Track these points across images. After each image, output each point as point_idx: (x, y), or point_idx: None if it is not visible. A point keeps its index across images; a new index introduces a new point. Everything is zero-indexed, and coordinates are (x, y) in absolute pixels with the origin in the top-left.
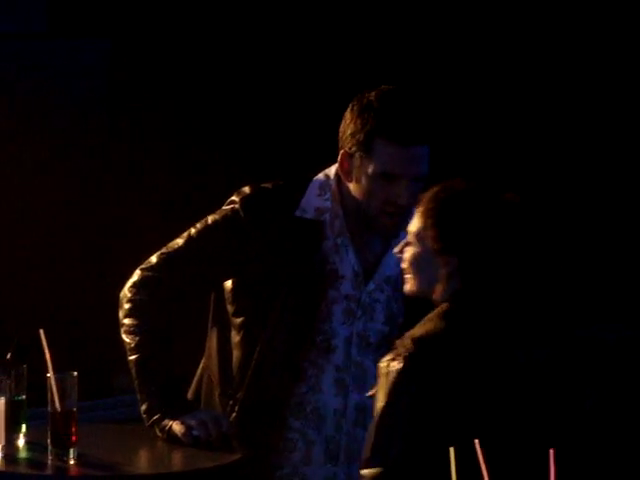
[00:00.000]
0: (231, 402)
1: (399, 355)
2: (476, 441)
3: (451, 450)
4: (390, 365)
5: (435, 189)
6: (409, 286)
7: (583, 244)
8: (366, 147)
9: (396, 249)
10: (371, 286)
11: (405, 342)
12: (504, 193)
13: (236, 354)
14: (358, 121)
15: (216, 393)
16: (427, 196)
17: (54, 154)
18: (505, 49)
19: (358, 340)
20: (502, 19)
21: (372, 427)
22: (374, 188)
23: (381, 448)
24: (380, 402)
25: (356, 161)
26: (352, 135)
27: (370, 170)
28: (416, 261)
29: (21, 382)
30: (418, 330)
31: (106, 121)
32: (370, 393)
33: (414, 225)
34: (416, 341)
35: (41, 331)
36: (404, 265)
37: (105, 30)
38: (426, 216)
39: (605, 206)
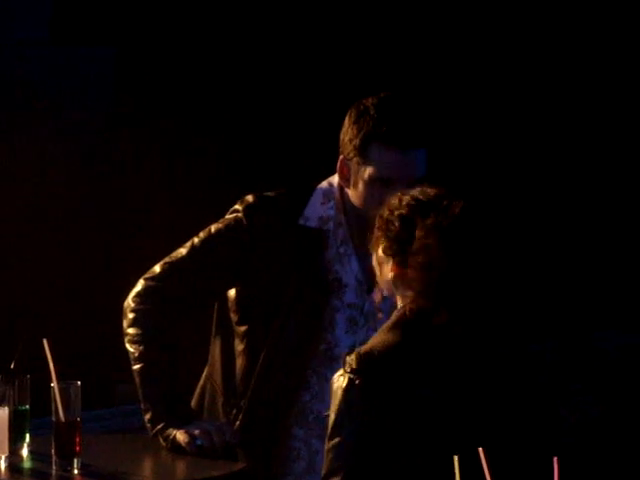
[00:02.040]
0: (234, 411)
1: (345, 371)
2: (480, 449)
3: (455, 458)
4: (338, 381)
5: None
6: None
7: (580, 249)
8: (362, 152)
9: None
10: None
11: (351, 357)
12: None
13: (240, 362)
14: (354, 127)
15: (219, 402)
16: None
17: (58, 162)
18: (502, 52)
19: None
20: (499, 25)
21: (325, 446)
22: (371, 193)
23: (333, 467)
24: (330, 419)
25: (353, 167)
26: (349, 141)
27: (366, 175)
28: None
29: (24, 392)
30: (366, 344)
31: (110, 128)
32: (327, 413)
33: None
34: (360, 356)
35: (45, 341)
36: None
37: (108, 38)
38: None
39: (603, 212)
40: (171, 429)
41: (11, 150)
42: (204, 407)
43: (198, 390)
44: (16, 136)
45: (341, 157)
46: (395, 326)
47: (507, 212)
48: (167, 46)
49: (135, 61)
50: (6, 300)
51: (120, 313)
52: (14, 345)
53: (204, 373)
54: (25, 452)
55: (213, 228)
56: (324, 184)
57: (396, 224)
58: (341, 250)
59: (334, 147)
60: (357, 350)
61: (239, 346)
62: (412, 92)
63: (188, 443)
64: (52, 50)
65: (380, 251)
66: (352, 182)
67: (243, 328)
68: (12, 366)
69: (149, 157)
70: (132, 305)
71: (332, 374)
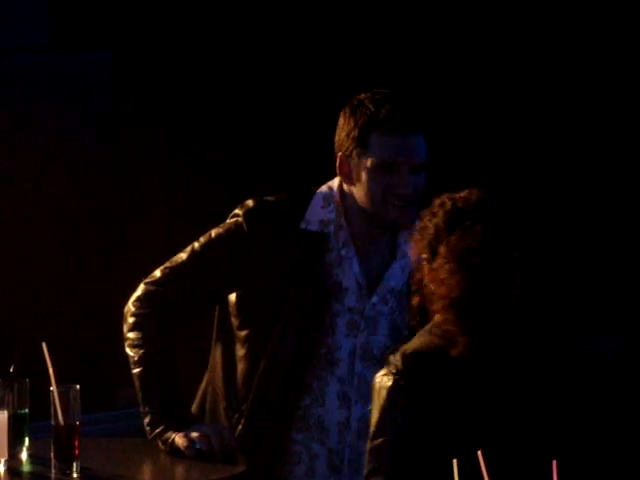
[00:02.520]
0: (236, 415)
1: (390, 371)
2: (479, 452)
3: (454, 462)
4: (382, 381)
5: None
6: None
7: (579, 251)
8: (362, 142)
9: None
10: (375, 298)
11: (396, 357)
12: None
13: (241, 367)
14: (351, 120)
15: (221, 406)
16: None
17: (57, 168)
18: (500, 46)
19: (362, 353)
20: (498, 17)
21: (367, 445)
22: (374, 181)
23: (375, 467)
24: (373, 419)
25: (354, 160)
26: (347, 135)
27: (369, 164)
28: None
29: (24, 396)
30: (410, 345)
31: (109, 134)
32: (368, 409)
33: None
34: (406, 356)
35: (44, 344)
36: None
37: (107, 43)
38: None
39: (604, 214)
40: (170, 432)
41: (11, 156)
42: (206, 411)
43: (199, 394)
44: (16, 137)
45: (339, 154)
46: (434, 330)
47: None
48: (165, 49)
49: (133, 64)
50: (5, 303)
51: (120, 316)
52: (13, 349)
53: (205, 378)
54: (24, 456)
55: (213, 233)
56: (324, 188)
57: (430, 232)
58: (342, 253)
59: (332, 152)
60: (402, 350)
61: (240, 351)
62: (406, 87)
63: (187, 447)
64: (51, 55)
65: (419, 253)
66: (355, 176)
67: (244, 333)
68: (11, 370)
69: (148, 160)
70: (132, 309)
71: (333, 378)
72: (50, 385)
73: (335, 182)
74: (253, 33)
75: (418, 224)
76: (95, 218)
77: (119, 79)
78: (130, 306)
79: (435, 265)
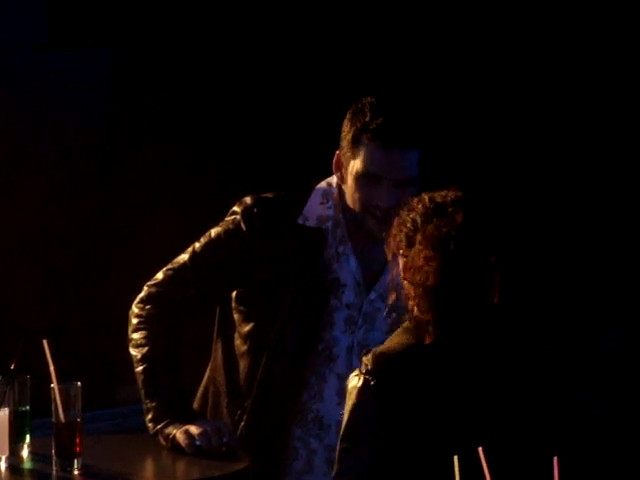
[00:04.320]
0: (239, 411)
1: (360, 372)
2: (480, 449)
3: (455, 459)
4: (352, 381)
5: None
6: None
7: (580, 249)
8: (353, 147)
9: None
10: (373, 295)
11: (367, 357)
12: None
13: (243, 363)
14: (349, 123)
15: (224, 403)
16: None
17: (55, 166)
18: (499, 54)
19: (359, 349)
20: (496, 25)
21: (338, 445)
22: (358, 188)
23: (344, 467)
24: (344, 420)
25: (346, 162)
26: (344, 136)
27: (355, 170)
28: None
29: (25, 393)
30: (384, 345)
31: (107, 133)
32: (341, 413)
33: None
34: (376, 356)
35: (45, 341)
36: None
37: (106, 41)
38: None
39: (604, 211)
40: (171, 427)
41: (9, 154)
42: (207, 409)
43: (200, 391)
44: (13, 141)
45: (337, 152)
46: (409, 328)
47: (508, 213)
48: (164, 46)
49: (132, 64)
50: (6, 300)
51: (120, 314)
52: (14, 345)
53: (206, 375)
54: (25, 453)
55: (213, 232)
56: (323, 184)
57: (408, 225)
58: (340, 249)
59: (332, 148)
60: (373, 350)
61: (242, 347)
62: (411, 92)
63: (187, 444)
64: (49, 54)
65: (396, 248)
66: (344, 177)
67: (246, 328)
68: (12, 367)
69: (147, 158)
70: (136, 311)
71: (331, 374)
72: (51, 382)
73: (334, 178)
74: (251, 31)
75: (396, 220)
76: (96, 216)
77: (118, 77)
78: (134, 308)
79: (411, 254)
